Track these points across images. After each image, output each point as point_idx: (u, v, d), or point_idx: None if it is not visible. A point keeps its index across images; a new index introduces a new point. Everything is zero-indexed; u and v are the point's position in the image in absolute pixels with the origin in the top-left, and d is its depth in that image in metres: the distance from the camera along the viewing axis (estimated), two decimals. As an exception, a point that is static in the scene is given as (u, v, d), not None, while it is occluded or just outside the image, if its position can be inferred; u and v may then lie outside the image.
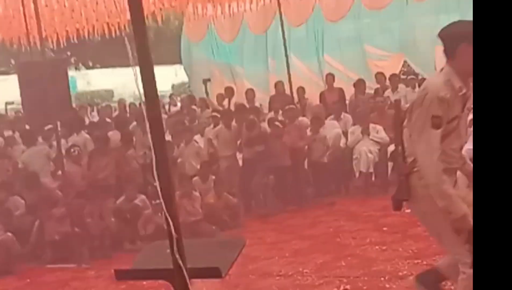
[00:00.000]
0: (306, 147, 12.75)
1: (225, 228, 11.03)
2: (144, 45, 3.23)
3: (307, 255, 8.91)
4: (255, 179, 12.16)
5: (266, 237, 10.18)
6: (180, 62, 21.01)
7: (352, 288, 7.31)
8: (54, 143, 11.15)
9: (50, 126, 11.78)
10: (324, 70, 17.53)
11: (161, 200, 3.37)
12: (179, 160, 12.40)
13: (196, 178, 11.70)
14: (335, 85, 16.03)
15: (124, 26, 14.81)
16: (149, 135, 3.35)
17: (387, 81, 15.69)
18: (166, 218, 3.38)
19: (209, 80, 17.40)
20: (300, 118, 13.21)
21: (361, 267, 8.05)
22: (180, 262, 3.39)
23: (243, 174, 12.55)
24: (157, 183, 3.38)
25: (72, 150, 11.53)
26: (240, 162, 12.92)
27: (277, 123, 12.87)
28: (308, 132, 12.91)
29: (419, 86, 14.33)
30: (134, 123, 13.75)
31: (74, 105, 15.78)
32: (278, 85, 16.38)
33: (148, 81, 3.30)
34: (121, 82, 31.14)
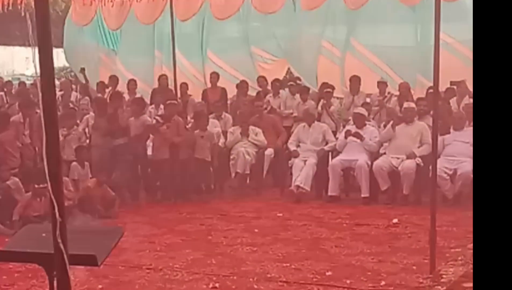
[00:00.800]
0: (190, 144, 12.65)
1: (98, 217, 10.91)
2: (45, 24, 3.20)
3: (178, 251, 8.93)
4: (120, 171, 12.07)
5: (139, 229, 10.10)
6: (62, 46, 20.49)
7: (221, 287, 7.39)
8: None
9: None
10: (207, 68, 17.56)
11: (48, 182, 3.30)
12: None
13: (74, 163, 11.51)
14: (219, 84, 16.10)
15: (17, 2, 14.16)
16: (42, 115, 3.29)
17: (269, 85, 15.88)
18: (51, 201, 3.30)
19: (84, 69, 17.12)
20: (176, 117, 13.10)
21: (231, 267, 8.15)
22: (62, 246, 3.33)
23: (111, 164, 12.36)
24: (45, 163, 3.30)
25: None
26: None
27: (157, 117, 12.82)
28: (195, 129, 12.88)
29: (300, 93, 14.76)
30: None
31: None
32: (162, 78, 16.31)
33: (46, 61, 3.25)
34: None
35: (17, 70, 34.48)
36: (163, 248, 9.10)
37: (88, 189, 11.19)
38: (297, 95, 14.98)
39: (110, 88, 16.49)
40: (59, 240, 3.35)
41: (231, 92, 16.00)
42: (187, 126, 13.02)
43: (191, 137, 12.52)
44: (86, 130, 13.29)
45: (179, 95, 15.31)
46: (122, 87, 16.50)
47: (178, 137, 12.41)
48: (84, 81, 16.80)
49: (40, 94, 3.32)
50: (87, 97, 16.14)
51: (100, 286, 7.41)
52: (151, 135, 12.62)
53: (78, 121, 13.42)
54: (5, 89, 18.49)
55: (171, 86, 15.68)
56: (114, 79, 16.87)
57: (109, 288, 7.38)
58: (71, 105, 15.42)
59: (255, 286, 7.39)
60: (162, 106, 13.96)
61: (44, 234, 3.79)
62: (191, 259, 8.53)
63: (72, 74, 21.15)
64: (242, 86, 15.67)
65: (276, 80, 15.96)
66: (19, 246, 4.36)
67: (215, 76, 16.17)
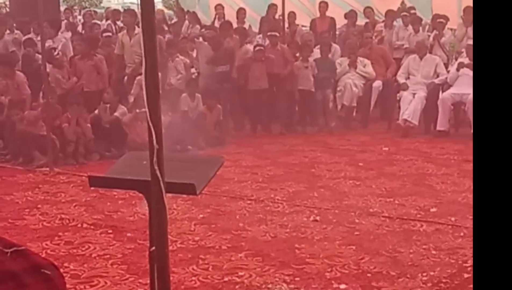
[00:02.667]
0: (294, 74, 12.49)
1: (214, 144, 11.02)
2: None
3: (280, 182, 8.89)
4: (223, 100, 12.04)
5: (242, 160, 10.14)
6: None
7: (322, 220, 7.30)
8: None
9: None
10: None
11: (146, 109, 3.25)
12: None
13: (184, 95, 11.56)
14: (333, 11, 15.79)
15: None
16: (141, 41, 3.23)
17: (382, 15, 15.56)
18: (149, 128, 3.26)
19: None
20: (282, 45, 12.99)
21: (333, 200, 8.07)
22: (159, 174, 3.30)
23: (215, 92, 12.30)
24: (144, 91, 3.26)
25: (54, 52, 11.32)
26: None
27: (258, 47, 12.67)
28: (298, 60, 12.72)
29: (412, 23, 14.36)
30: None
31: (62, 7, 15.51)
32: (271, 7, 16.12)
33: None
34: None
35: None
36: (265, 180, 9.08)
37: (202, 114, 11.33)
38: (410, 26, 14.59)
39: (215, 16, 16.40)
40: (156, 167, 3.30)
41: (343, 20, 15.68)
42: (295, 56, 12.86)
43: (294, 68, 12.40)
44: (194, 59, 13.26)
45: (287, 24, 15.11)
46: (233, 14, 16.31)
47: (285, 67, 12.30)
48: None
49: (140, 22, 3.26)
50: (197, 26, 16.13)
51: (201, 216, 7.44)
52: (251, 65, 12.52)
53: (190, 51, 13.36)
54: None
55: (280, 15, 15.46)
56: (220, 8, 16.75)
57: (210, 217, 7.40)
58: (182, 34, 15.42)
59: (357, 221, 7.28)
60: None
61: (145, 162, 3.76)
62: (292, 191, 8.47)
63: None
64: (351, 15, 15.38)
65: (390, 10, 15.58)
66: (120, 173, 4.37)
67: (324, 5, 15.87)
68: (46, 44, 11.15)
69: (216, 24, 15.59)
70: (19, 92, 10.88)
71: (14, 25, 13.95)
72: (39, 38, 11.09)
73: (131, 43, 12.05)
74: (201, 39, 13.52)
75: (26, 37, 12.67)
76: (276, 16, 15.74)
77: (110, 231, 6.95)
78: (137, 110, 10.30)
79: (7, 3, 15.23)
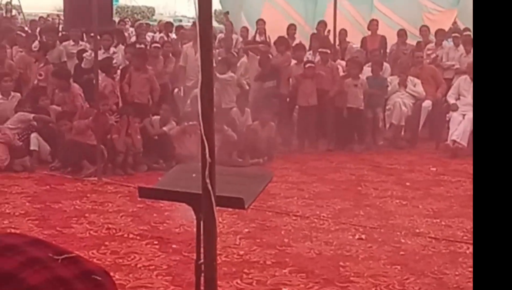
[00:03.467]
0: (344, 92, 12.48)
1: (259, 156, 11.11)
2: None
3: (326, 199, 8.88)
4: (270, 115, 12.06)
5: (288, 176, 10.14)
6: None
7: (367, 238, 7.29)
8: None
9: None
10: (374, 16, 17.14)
11: (200, 122, 3.28)
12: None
13: (235, 109, 11.64)
14: (384, 31, 15.75)
15: None
16: (199, 57, 3.27)
17: (433, 35, 15.48)
18: (202, 141, 3.28)
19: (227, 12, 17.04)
20: (332, 62, 13.00)
21: (379, 219, 8.03)
22: (210, 187, 3.32)
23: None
24: (199, 103, 3.29)
25: (113, 62, 11.55)
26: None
27: (309, 64, 12.68)
28: (348, 78, 12.69)
29: (464, 44, 14.25)
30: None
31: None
32: (320, 24, 16.11)
33: (204, 2, 3.24)
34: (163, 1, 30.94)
35: (178, 11, 35.17)
36: (311, 196, 9.08)
37: (253, 130, 11.37)
38: (461, 47, 14.48)
39: (256, 31, 16.43)
40: (208, 181, 3.32)
41: (393, 40, 15.64)
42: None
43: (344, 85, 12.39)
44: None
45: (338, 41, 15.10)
46: (282, 25, 16.29)
47: (331, 84, 12.31)
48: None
49: (198, 36, 3.29)
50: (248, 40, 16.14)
51: (246, 230, 7.46)
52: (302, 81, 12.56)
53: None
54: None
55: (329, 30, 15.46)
56: (261, 23, 16.73)
57: (255, 232, 7.42)
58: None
59: (402, 241, 7.23)
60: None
61: (194, 175, 3.79)
62: (338, 209, 8.46)
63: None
64: (402, 34, 15.31)
65: (440, 30, 15.49)
66: (169, 185, 4.41)
67: (374, 23, 15.83)
68: (104, 55, 11.35)
69: (258, 39, 15.65)
70: (74, 103, 11.05)
71: (67, 35, 14.20)
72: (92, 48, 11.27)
73: (195, 56, 12.14)
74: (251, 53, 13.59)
75: (79, 48, 12.88)
76: (326, 32, 15.71)
77: (156, 242, 7.01)
78: (186, 123, 10.38)
79: (61, 14, 15.49)
